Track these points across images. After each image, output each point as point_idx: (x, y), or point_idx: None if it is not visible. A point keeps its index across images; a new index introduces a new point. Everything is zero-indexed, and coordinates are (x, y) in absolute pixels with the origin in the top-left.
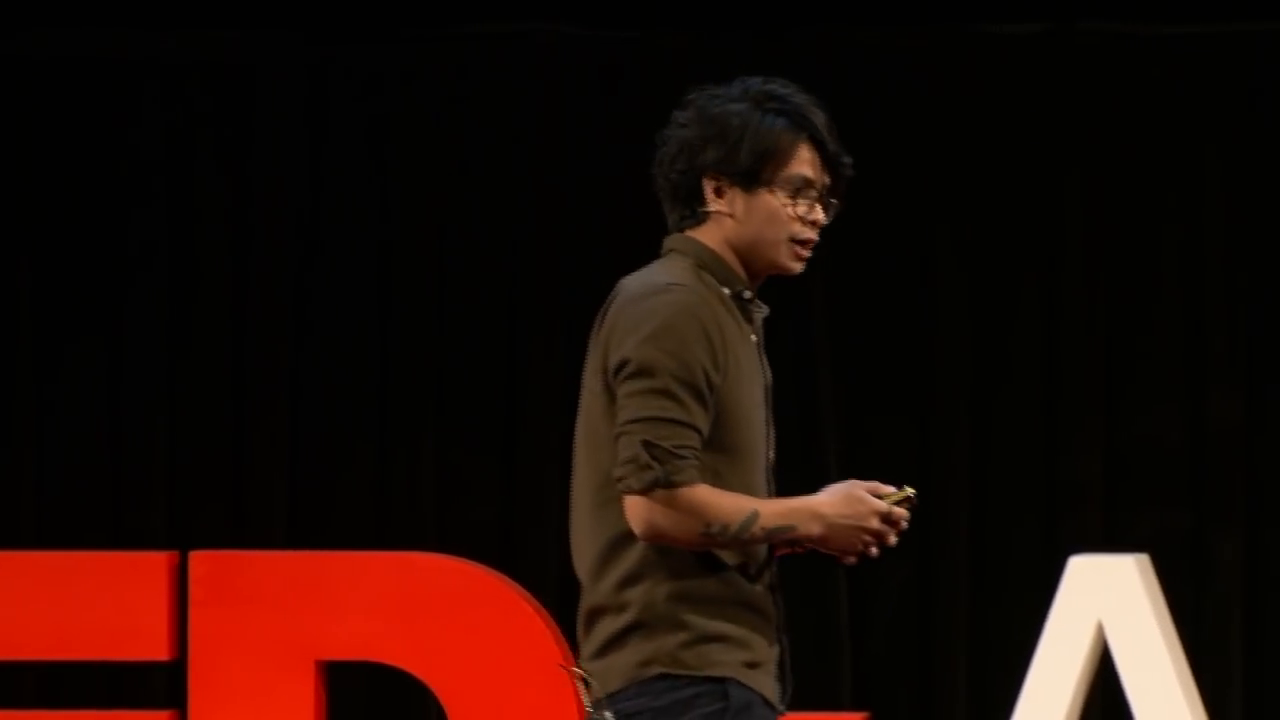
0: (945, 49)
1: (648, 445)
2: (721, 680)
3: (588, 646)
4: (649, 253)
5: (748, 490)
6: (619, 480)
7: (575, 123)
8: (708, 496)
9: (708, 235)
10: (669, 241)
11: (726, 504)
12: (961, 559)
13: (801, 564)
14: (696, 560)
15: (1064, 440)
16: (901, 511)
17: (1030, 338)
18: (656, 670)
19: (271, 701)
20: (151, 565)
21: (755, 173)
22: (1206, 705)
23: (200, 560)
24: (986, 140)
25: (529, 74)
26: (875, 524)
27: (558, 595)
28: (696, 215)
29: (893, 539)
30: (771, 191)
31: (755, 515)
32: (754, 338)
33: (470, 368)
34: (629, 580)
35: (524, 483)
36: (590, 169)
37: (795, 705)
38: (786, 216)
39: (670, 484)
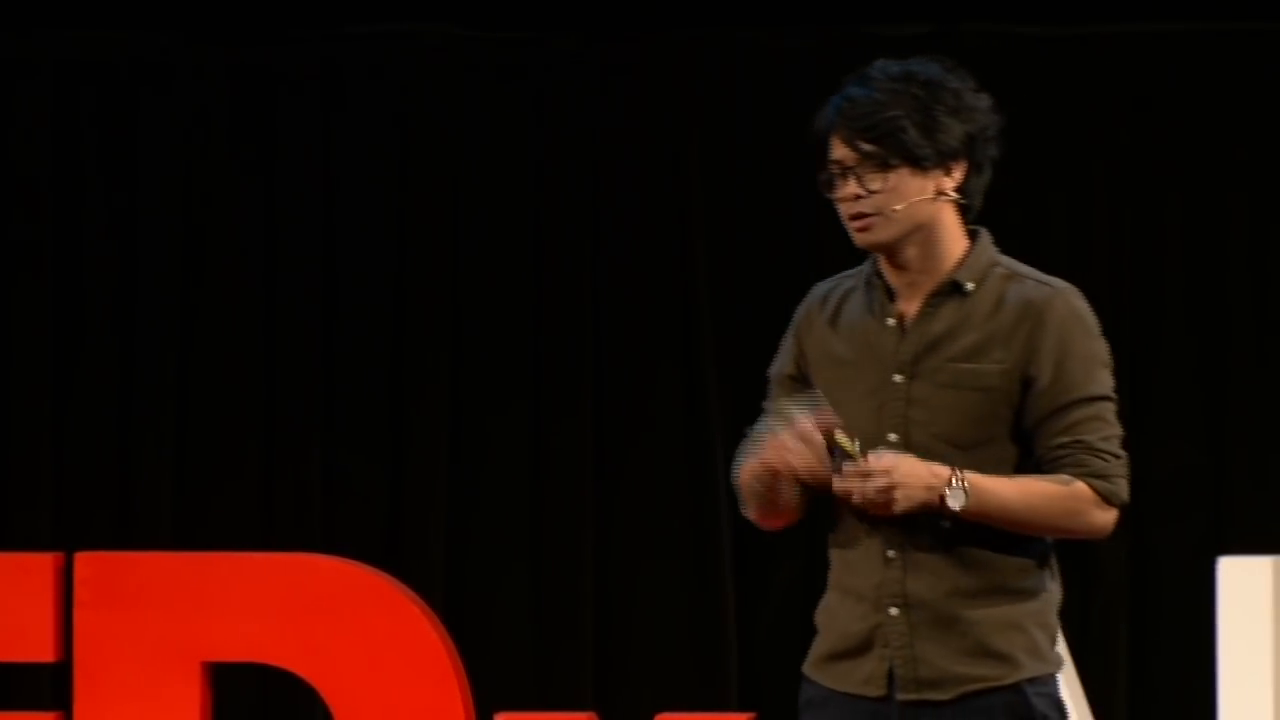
0: (830, 50)
1: None
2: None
3: None
4: (543, 253)
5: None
6: None
7: (465, 124)
8: None
9: None
10: None
11: None
12: None
13: (686, 564)
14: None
15: None
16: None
17: None
18: None
19: (157, 703)
20: (36, 566)
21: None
22: (1093, 708)
23: (85, 561)
24: None
25: (418, 75)
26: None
27: (445, 597)
28: None
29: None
30: (827, 184)
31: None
32: (890, 321)
33: (357, 369)
34: None
35: (411, 484)
36: (480, 170)
37: (680, 706)
38: (838, 207)
39: None
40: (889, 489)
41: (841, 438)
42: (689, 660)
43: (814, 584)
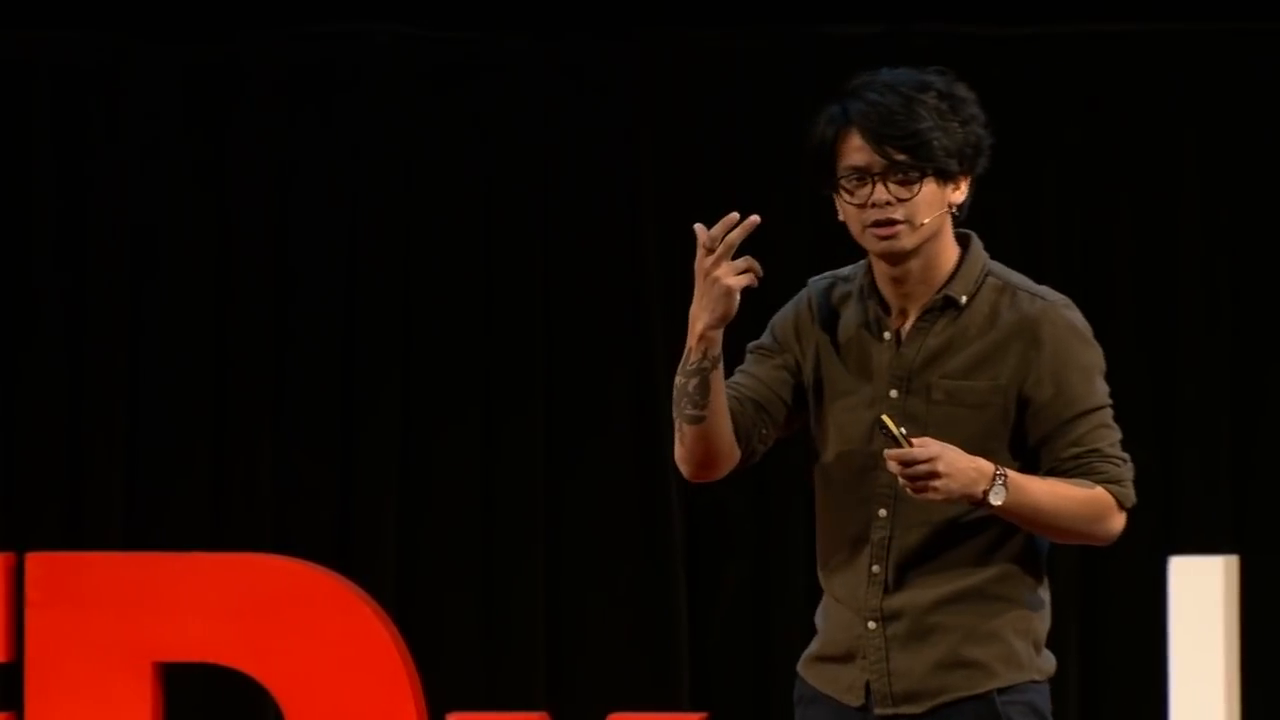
0: (783, 50)
1: None
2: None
3: None
4: (495, 254)
5: (841, 481)
6: None
7: (412, 123)
8: None
9: None
10: None
11: None
12: (798, 558)
13: (637, 564)
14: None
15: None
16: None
17: None
18: None
19: (108, 703)
20: None
21: (819, 180)
22: None
23: (36, 562)
24: None
25: (365, 74)
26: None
27: (395, 596)
28: None
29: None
30: (839, 192)
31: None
32: (885, 335)
33: (308, 368)
34: None
35: (362, 484)
36: (432, 170)
37: (632, 706)
38: (853, 211)
39: None
40: (932, 475)
41: (888, 420)
42: (641, 660)
43: (765, 585)
